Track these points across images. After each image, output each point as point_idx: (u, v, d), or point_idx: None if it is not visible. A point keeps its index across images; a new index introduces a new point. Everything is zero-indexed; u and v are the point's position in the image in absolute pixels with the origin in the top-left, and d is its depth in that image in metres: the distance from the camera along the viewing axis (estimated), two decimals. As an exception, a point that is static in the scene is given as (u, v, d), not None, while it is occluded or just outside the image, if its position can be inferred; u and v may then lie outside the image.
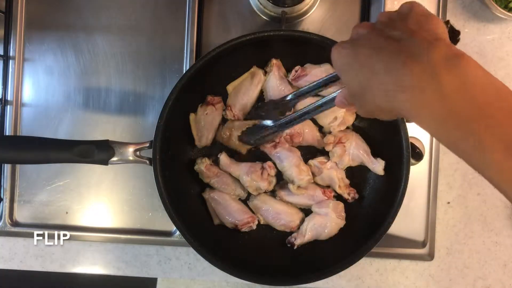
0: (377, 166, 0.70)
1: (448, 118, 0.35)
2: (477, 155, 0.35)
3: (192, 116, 0.72)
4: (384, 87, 0.38)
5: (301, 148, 0.74)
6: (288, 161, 0.71)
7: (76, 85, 0.82)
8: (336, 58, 0.44)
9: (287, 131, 0.71)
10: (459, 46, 0.79)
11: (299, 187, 0.71)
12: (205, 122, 0.72)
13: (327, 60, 0.71)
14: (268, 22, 0.80)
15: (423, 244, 0.77)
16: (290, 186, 0.71)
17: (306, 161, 0.73)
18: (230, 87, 0.74)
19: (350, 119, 0.72)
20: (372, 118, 0.44)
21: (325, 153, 0.74)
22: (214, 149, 0.75)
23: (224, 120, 0.75)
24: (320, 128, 0.74)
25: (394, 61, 0.37)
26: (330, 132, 0.73)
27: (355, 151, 0.71)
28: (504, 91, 0.36)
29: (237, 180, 0.74)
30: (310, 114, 0.59)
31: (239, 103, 0.73)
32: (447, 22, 0.43)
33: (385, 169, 0.70)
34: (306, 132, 0.72)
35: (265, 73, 0.74)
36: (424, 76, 0.35)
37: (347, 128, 0.73)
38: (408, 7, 0.41)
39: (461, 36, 0.79)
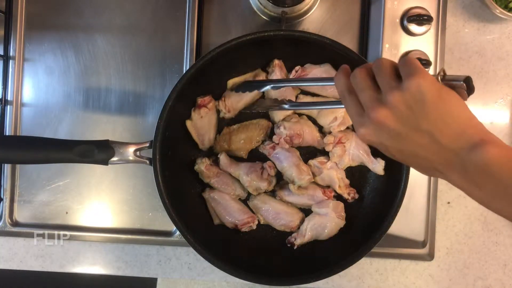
0: (377, 166, 0.70)
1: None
2: None
3: (188, 123, 0.72)
4: (428, 164, 0.45)
5: (301, 148, 0.74)
6: (288, 161, 0.71)
7: (76, 85, 0.82)
8: (364, 138, 0.48)
9: (287, 132, 0.71)
10: (460, 46, 0.79)
11: (299, 187, 0.71)
12: (202, 125, 0.73)
13: (327, 60, 0.71)
14: (268, 22, 0.80)
15: (423, 244, 0.77)
16: (291, 186, 0.71)
17: (306, 161, 0.73)
18: (230, 82, 0.74)
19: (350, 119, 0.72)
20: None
21: (325, 153, 0.74)
22: (214, 147, 0.75)
23: (219, 127, 0.75)
24: (320, 128, 0.74)
25: (429, 160, 0.45)
26: (330, 132, 0.73)
27: (355, 151, 0.71)
28: None
29: (237, 180, 0.74)
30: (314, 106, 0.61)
31: (234, 97, 0.73)
32: (467, 80, 0.45)
33: (385, 169, 0.70)
34: (306, 132, 0.72)
35: (267, 73, 0.74)
36: (455, 176, 0.44)
37: (347, 128, 0.73)
38: (419, 92, 0.41)
39: (461, 36, 0.79)
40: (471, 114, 0.44)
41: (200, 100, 0.72)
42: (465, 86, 0.44)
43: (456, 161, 0.42)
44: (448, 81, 0.44)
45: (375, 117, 0.44)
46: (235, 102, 0.73)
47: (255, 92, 0.72)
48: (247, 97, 0.72)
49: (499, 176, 0.40)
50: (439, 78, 0.44)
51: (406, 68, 0.43)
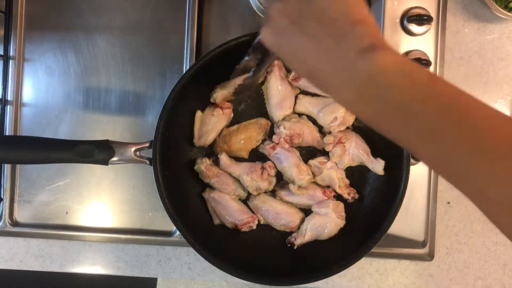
0: (377, 166, 0.70)
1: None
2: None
3: (198, 113, 0.72)
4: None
5: (301, 148, 0.74)
6: (288, 161, 0.71)
7: (76, 85, 0.82)
8: (266, 43, 0.46)
9: (287, 132, 0.71)
10: (460, 46, 0.79)
11: (299, 187, 0.71)
12: (209, 123, 0.72)
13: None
14: (268, 22, 0.80)
15: (423, 244, 0.77)
16: (291, 186, 0.71)
17: (306, 161, 0.73)
18: (215, 95, 0.73)
19: (350, 119, 0.72)
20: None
21: (325, 153, 0.74)
22: (214, 149, 0.75)
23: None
24: (320, 128, 0.74)
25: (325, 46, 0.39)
26: (330, 132, 0.73)
27: (355, 151, 0.71)
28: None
29: (237, 180, 0.74)
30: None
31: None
32: None
33: (385, 169, 0.70)
34: (306, 132, 0.72)
35: (266, 73, 0.74)
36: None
37: (347, 128, 0.73)
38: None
39: (461, 36, 0.79)
40: (366, 11, 0.40)
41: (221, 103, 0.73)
42: None
43: (341, 67, 0.38)
44: None
45: (268, 11, 0.43)
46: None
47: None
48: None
49: (389, 88, 0.36)
50: None
51: None
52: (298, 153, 0.73)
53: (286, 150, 0.72)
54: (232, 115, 0.74)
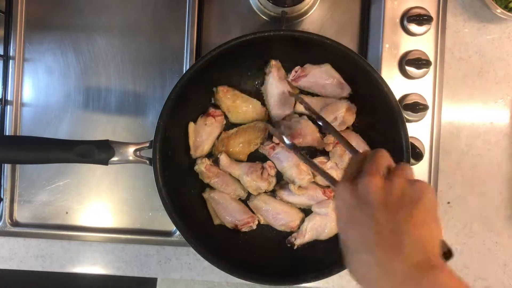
0: None
1: None
2: None
3: (191, 126, 0.72)
4: (363, 277, 0.43)
5: (301, 148, 0.74)
6: (288, 161, 0.71)
7: (76, 85, 0.82)
8: (337, 199, 0.46)
9: (288, 131, 0.71)
10: (460, 46, 0.79)
11: (299, 187, 0.71)
12: (203, 133, 0.72)
13: (327, 60, 0.71)
14: (268, 22, 0.80)
15: (423, 244, 0.77)
16: (291, 186, 0.71)
17: (306, 161, 0.73)
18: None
19: (350, 119, 0.72)
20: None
21: (325, 153, 0.74)
22: (213, 153, 0.75)
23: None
24: (320, 128, 0.74)
25: (378, 266, 0.41)
26: (329, 133, 0.73)
27: (355, 151, 0.71)
28: None
29: (237, 180, 0.74)
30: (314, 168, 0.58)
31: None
32: (442, 243, 0.44)
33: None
34: (307, 132, 0.72)
35: (265, 74, 0.74)
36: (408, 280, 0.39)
37: (347, 128, 0.73)
38: (421, 193, 0.42)
39: (461, 36, 0.79)
40: (441, 237, 0.43)
41: (211, 110, 0.73)
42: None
43: (408, 280, 0.39)
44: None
45: (367, 181, 0.43)
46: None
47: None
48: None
49: None
50: None
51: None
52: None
53: (286, 150, 0.72)
54: (224, 121, 0.75)
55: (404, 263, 0.39)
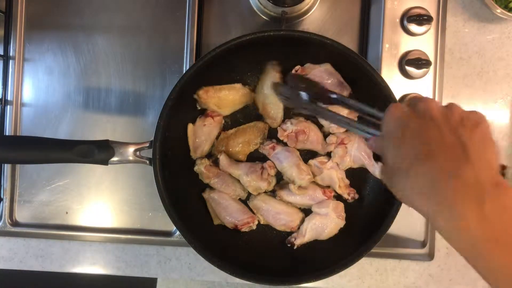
0: (377, 170, 0.70)
1: (486, 242, 0.38)
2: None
3: (190, 127, 0.72)
4: (421, 191, 0.41)
5: (300, 151, 0.74)
6: (288, 161, 0.71)
7: (76, 85, 0.82)
8: (391, 118, 0.46)
9: (294, 127, 0.71)
10: (460, 46, 0.79)
11: (300, 187, 0.71)
12: (202, 134, 0.72)
13: (327, 60, 0.71)
14: (268, 22, 0.80)
15: (423, 244, 0.77)
16: (291, 186, 0.71)
17: (306, 161, 0.73)
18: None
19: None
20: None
21: (325, 153, 0.74)
22: (212, 153, 0.75)
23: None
24: (320, 127, 0.74)
25: (442, 173, 0.40)
26: (329, 133, 0.73)
27: (357, 153, 0.71)
28: None
29: (237, 180, 0.74)
30: (342, 123, 0.58)
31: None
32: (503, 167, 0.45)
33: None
34: (311, 132, 0.72)
35: (258, 79, 0.74)
36: (468, 203, 0.38)
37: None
38: (479, 119, 0.43)
39: (461, 36, 0.79)
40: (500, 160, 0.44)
41: (209, 111, 0.73)
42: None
43: (474, 190, 0.38)
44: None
45: (427, 102, 0.44)
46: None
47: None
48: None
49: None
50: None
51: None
52: (298, 153, 0.73)
53: (286, 150, 0.72)
54: (223, 121, 0.75)
55: (472, 171, 0.39)
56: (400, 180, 0.43)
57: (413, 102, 0.46)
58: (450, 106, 0.44)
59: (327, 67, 0.71)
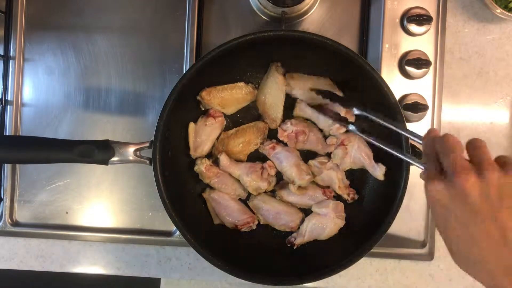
0: (378, 171, 0.70)
1: None
2: None
3: (191, 125, 0.72)
4: (483, 259, 0.44)
5: (301, 151, 0.74)
6: (288, 161, 0.71)
7: (76, 85, 0.82)
8: (432, 201, 0.46)
9: (294, 128, 0.71)
10: (460, 46, 0.79)
11: (299, 187, 0.71)
12: (203, 133, 0.72)
13: (327, 60, 0.71)
14: (268, 22, 0.80)
15: (423, 244, 0.77)
16: (291, 186, 0.71)
17: (306, 161, 0.73)
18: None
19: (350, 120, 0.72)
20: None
21: (325, 154, 0.74)
22: (213, 153, 0.75)
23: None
24: (320, 131, 0.74)
25: (491, 251, 0.43)
26: (329, 135, 0.73)
27: (357, 154, 0.71)
28: None
29: (237, 180, 0.74)
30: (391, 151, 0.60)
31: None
32: None
33: (386, 172, 0.69)
34: (311, 133, 0.72)
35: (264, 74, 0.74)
36: None
37: (347, 131, 0.73)
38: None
39: (461, 36, 0.79)
40: None
41: (212, 111, 0.73)
42: None
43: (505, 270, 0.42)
44: None
45: (462, 181, 0.43)
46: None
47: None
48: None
49: None
50: None
51: None
52: (298, 153, 0.73)
53: (286, 150, 0.72)
54: (225, 122, 0.75)
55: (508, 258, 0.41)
56: (456, 255, 0.47)
57: (449, 173, 0.44)
58: (486, 177, 0.43)
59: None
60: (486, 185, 0.42)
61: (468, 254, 0.45)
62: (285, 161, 0.71)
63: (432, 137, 0.49)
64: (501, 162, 0.44)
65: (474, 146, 0.45)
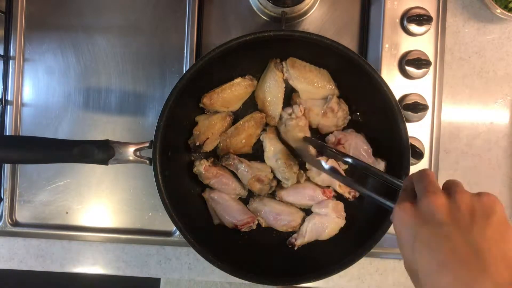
0: (378, 167, 0.70)
1: None
2: None
3: (198, 118, 0.74)
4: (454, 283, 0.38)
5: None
6: (276, 157, 0.72)
7: (76, 85, 0.82)
8: (400, 226, 0.44)
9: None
10: (460, 46, 0.79)
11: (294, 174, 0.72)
12: (209, 127, 0.73)
13: (327, 60, 0.71)
14: (268, 22, 0.80)
15: (423, 244, 0.77)
16: (284, 184, 0.71)
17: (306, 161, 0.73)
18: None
19: (344, 109, 0.73)
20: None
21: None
22: (213, 151, 0.75)
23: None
24: (316, 131, 0.74)
25: (463, 275, 0.38)
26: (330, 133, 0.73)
27: (355, 152, 0.71)
28: None
29: (237, 179, 0.74)
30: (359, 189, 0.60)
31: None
32: None
33: (386, 169, 0.70)
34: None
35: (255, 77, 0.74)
36: None
37: (351, 128, 0.73)
38: (491, 207, 0.40)
39: (461, 36, 0.79)
40: None
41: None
42: None
43: None
44: None
45: (431, 200, 0.41)
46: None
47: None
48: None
49: None
50: None
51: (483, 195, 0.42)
52: (284, 147, 0.73)
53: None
54: (231, 118, 0.75)
55: (490, 280, 0.37)
56: (420, 282, 0.42)
57: (419, 196, 0.43)
58: (456, 198, 0.41)
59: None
60: (455, 206, 0.41)
61: (438, 283, 0.40)
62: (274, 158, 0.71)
63: (413, 174, 0.48)
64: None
65: (448, 182, 0.45)
